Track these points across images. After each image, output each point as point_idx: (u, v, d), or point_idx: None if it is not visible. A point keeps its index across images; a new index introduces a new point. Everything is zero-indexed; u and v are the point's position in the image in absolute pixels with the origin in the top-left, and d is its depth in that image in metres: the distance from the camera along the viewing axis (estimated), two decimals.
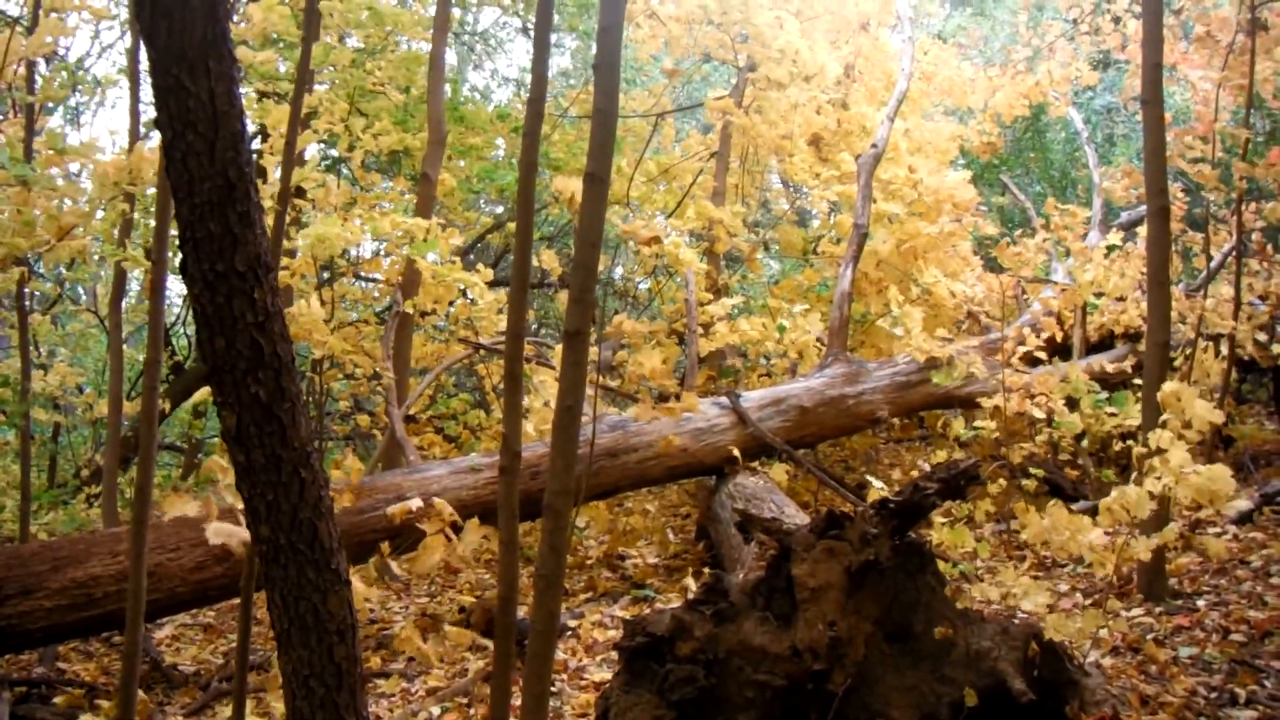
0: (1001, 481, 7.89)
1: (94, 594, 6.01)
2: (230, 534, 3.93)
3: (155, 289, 4.53)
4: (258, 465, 2.99)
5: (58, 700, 6.07)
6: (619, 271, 15.82)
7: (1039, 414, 8.18)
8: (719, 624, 4.42)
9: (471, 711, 5.38)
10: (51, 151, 6.14)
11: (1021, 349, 8.88)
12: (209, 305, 2.92)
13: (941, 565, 4.62)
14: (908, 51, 11.69)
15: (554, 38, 17.14)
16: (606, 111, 3.22)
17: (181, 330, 15.50)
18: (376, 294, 12.56)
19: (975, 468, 4.78)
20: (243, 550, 6.20)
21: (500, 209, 16.34)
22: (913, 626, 4.32)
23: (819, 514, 4.82)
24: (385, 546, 5.13)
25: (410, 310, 8.13)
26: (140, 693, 4.74)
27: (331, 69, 10.10)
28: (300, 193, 7.80)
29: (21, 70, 7.74)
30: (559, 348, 7.62)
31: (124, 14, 11.08)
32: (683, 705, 4.30)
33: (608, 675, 5.49)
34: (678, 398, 7.74)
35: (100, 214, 6.70)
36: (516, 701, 3.91)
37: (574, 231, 13.19)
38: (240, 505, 4.20)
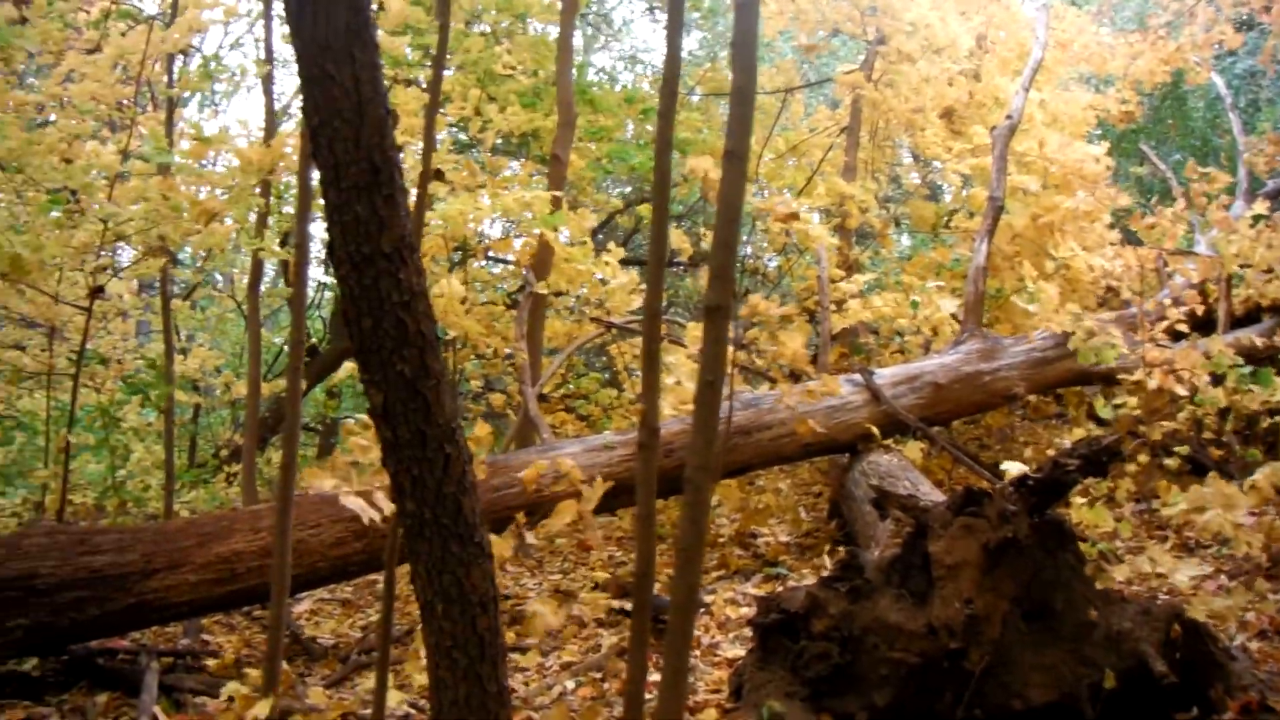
0: (1142, 459, 7.74)
1: (236, 569, 6.18)
2: (363, 507, 4.01)
3: (297, 272, 4.64)
4: (403, 441, 3.07)
5: (210, 664, 6.27)
6: (748, 249, 15.78)
7: (1181, 390, 8.00)
8: (854, 601, 4.42)
9: (606, 686, 5.44)
10: (196, 141, 6.30)
11: (1163, 323, 8.70)
12: (356, 286, 3.00)
13: (1080, 545, 4.57)
14: (1041, 19, 11.46)
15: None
16: (745, 89, 3.23)
17: (315, 313, 15.80)
18: (504, 276, 12.71)
19: (1117, 444, 4.71)
20: (373, 523, 6.39)
21: (628, 189, 16.38)
22: (1051, 605, 4.28)
23: (954, 491, 4.79)
24: (521, 516, 5.20)
25: (543, 290, 8.20)
26: (283, 664, 4.87)
27: (462, 54, 10.20)
28: (439, 175, 7.92)
29: (157, 66, 7.95)
30: (690, 325, 7.66)
31: (252, 7, 11.29)
32: (816, 682, 4.31)
33: (741, 652, 5.51)
34: (810, 377, 7.74)
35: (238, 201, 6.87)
36: (651, 677, 3.94)
37: (709, 210, 13.23)
38: (378, 482, 4.31)
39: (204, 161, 6.95)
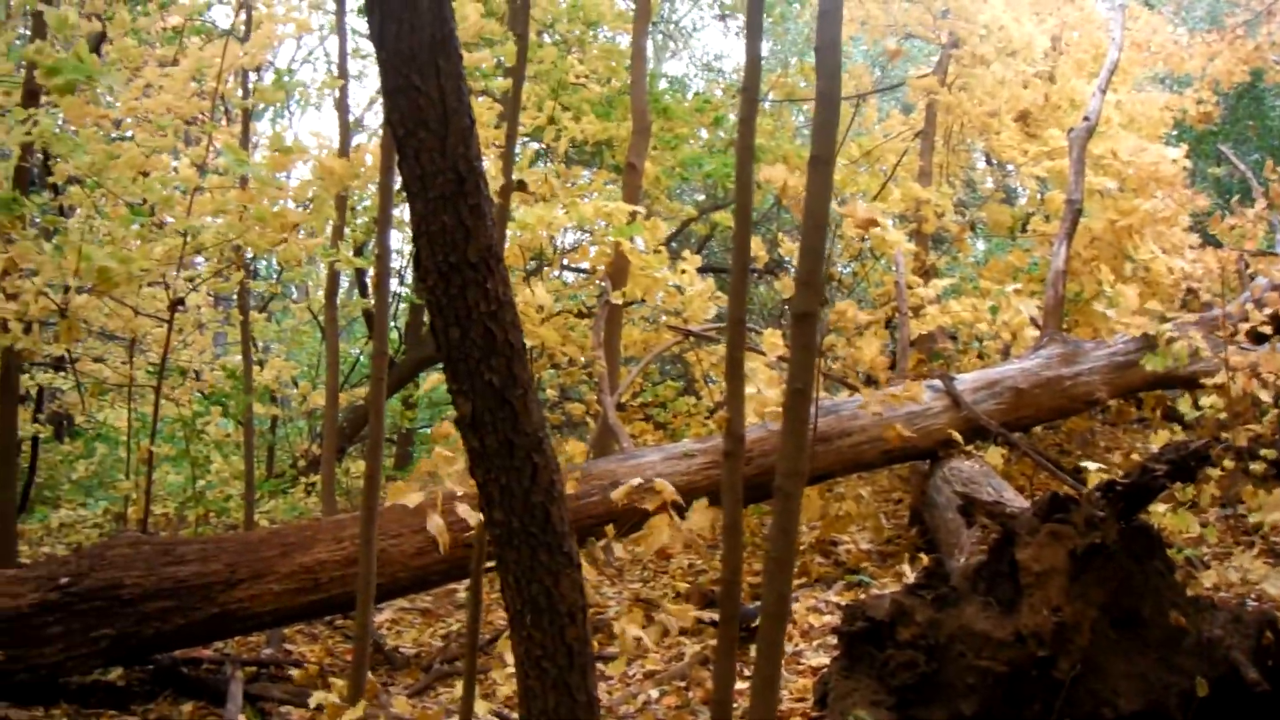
0: (1226, 464, 7.61)
1: (319, 578, 6.23)
2: (441, 530, 4.02)
3: (379, 284, 4.67)
4: (491, 450, 3.07)
5: (295, 674, 6.31)
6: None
7: (1265, 394, 7.85)
8: (940, 609, 4.38)
9: (690, 694, 5.43)
10: (277, 152, 6.36)
11: (1245, 326, 8.55)
12: (443, 296, 3.00)
13: (1167, 551, 4.50)
14: (1117, 19, 11.32)
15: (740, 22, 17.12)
16: (829, 94, 3.22)
17: (391, 324, 15.87)
18: (580, 286, 12.71)
19: (1205, 449, 4.64)
20: (455, 534, 6.41)
21: (700, 196, 16.36)
22: (1140, 613, 4.22)
23: (1038, 498, 4.73)
24: (610, 529, 5.20)
25: (619, 300, 8.20)
26: (368, 673, 4.90)
27: (536, 63, 10.24)
28: (521, 185, 7.96)
29: (231, 80, 8.04)
30: (767, 333, 7.63)
31: (324, 21, 11.39)
32: (902, 691, 4.27)
33: (824, 660, 5.47)
34: (887, 382, 7.68)
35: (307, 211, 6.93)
36: (737, 686, 3.92)
37: (783, 216, 13.17)
38: (460, 492, 4.32)
39: (278, 174, 7.03)
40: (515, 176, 7.68)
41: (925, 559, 6.64)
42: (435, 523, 4.12)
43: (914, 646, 4.31)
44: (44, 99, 6.40)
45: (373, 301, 12.46)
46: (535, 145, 12.34)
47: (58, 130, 5.88)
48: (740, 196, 3.73)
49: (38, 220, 7.60)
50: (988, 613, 4.33)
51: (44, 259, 5.87)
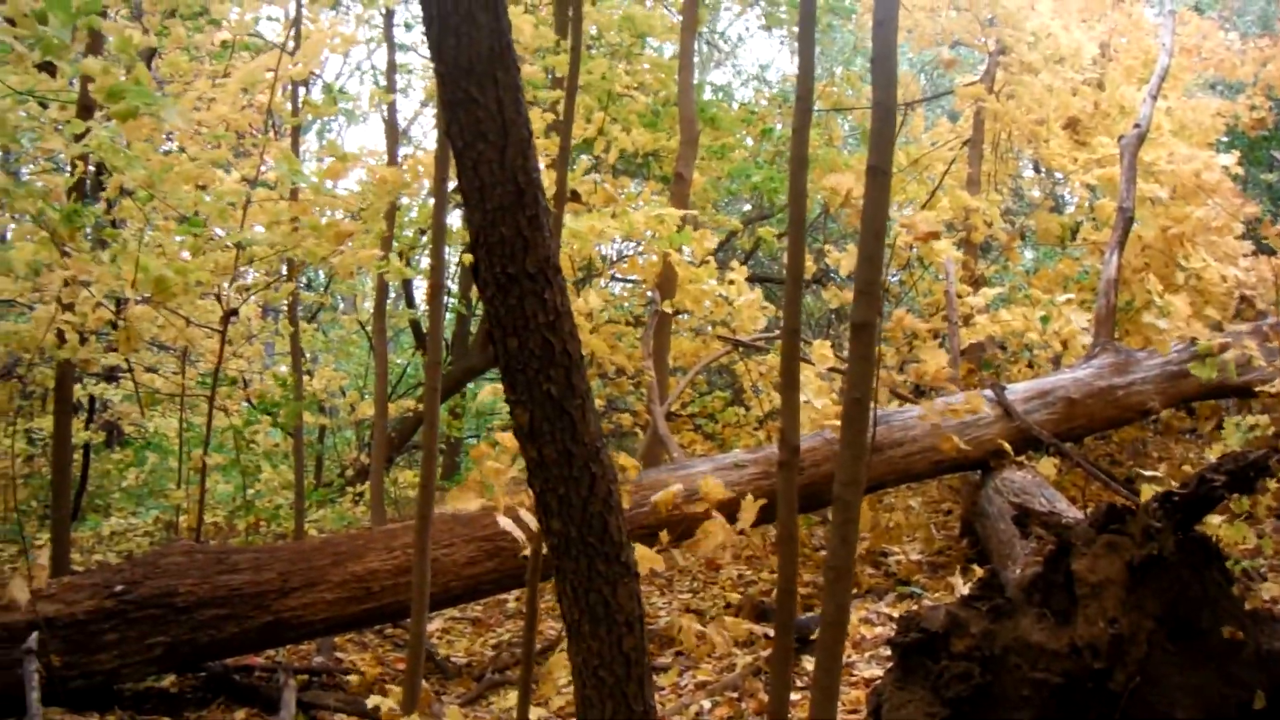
0: None
1: (371, 587, 6.27)
2: (513, 527, 4.03)
3: (434, 294, 4.69)
4: (549, 460, 3.07)
5: (351, 679, 6.34)
6: None
7: None
8: (995, 620, 4.34)
9: (742, 705, 5.41)
10: (334, 160, 6.40)
11: None
12: (501, 307, 3.01)
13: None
14: (1167, 25, 11.21)
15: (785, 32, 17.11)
16: (886, 104, 3.21)
17: None
18: (627, 296, 12.73)
19: (1265, 459, 4.58)
20: (507, 543, 6.42)
21: (746, 207, 16.34)
22: (1197, 624, 4.17)
23: (1094, 508, 4.69)
24: (664, 535, 5.20)
25: (669, 310, 8.21)
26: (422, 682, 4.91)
27: (585, 74, 10.25)
28: (575, 196, 7.98)
29: (280, 94, 8.10)
30: (816, 344, 7.62)
31: (366, 33, 11.45)
32: (957, 702, 4.23)
33: (876, 672, 5.45)
34: (943, 392, 7.64)
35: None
36: (791, 697, 3.91)
37: (830, 226, 13.12)
38: (503, 502, 4.33)
39: (331, 184, 7.09)
40: (570, 187, 7.72)
41: (977, 570, 6.59)
42: (506, 521, 4.13)
43: (969, 658, 4.27)
44: (98, 112, 6.47)
45: (419, 312, 12.58)
46: (584, 157, 12.38)
47: (113, 144, 5.92)
48: (794, 206, 3.72)
49: (88, 232, 7.68)
50: (1043, 624, 4.29)
51: (104, 269, 5.93)
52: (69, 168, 6.91)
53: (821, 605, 3.27)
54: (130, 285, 5.91)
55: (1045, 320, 9.25)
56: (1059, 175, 13.50)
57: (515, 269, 2.98)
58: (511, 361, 3.04)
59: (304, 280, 15.01)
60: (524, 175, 3.00)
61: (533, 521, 4.14)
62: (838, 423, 6.78)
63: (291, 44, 7.55)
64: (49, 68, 5.74)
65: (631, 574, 3.19)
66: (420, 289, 16.16)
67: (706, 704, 5.46)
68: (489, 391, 6.29)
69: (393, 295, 15.81)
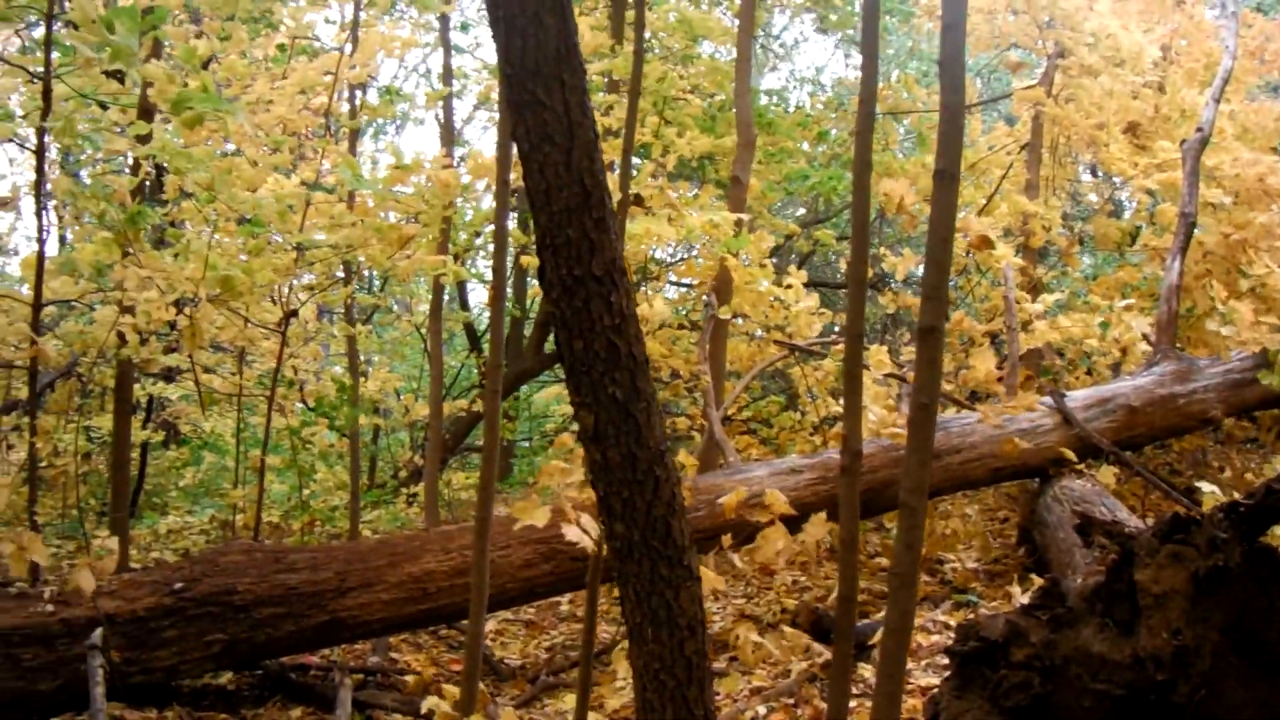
0: None
1: (428, 588, 6.29)
2: (581, 536, 4.03)
3: (495, 296, 4.70)
4: (614, 463, 3.07)
5: (407, 680, 6.37)
6: (921, 269, 15.53)
7: None
8: (1056, 630, 4.30)
9: (798, 711, 5.39)
10: (393, 169, 6.44)
11: None
12: (567, 309, 3.01)
13: None
14: (1230, 27, 11.04)
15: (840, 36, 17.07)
16: (954, 107, 3.19)
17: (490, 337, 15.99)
18: (682, 300, 12.73)
19: None
20: (563, 546, 6.42)
21: (801, 211, 16.30)
22: (1263, 637, 4.11)
23: (1158, 518, 4.64)
24: (727, 539, 5.19)
25: (725, 315, 8.18)
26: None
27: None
28: (639, 200, 7.98)
29: (339, 98, 8.15)
30: (873, 349, 7.58)
31: (428, 39, 11.50)
32: (1016, 712, 4.19)
33: (933, 680, 5.41)
34: (995, 398, 7.58)
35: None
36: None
37: (885, 231, 13.04)
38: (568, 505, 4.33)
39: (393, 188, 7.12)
40: (631, 190, 7.72)
41: (1036, 579, 6.53)
42: (573, 531, 4.13)
43: (1028, 667, 4.23)
44: (158, 115, 6.53)
45: (474, 315, 12.61)
46: (646, 161, 12.37)
47: (177, 146, 5.97)
48: (858, 209, 3.71)
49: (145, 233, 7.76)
50: (1105, 634, 4.23)
51: (172, 268, 5.98)
52: (128, 170, 6.98)
53: (884, 612, 3.25)
54: (197, 284, 5.96)
55: (1105, 326, 9.16)
56: (1118, 180, 13.37)
57: (581, 271, 2.98)
58: (577, 364, 3.04)
59: (369, 282, 15.13)
60: (590, 177, 2.99)
61: (593, 525, 4.14)
62: (895, 430, 6.80)
63: (349, 47, 7.60)
64: (118, 75, 5.81)
65: (694, 578, 3.18)
66: (474, 292, 16.26)
67: (762, 709, 5.44)
68: (551, 394, 6.29)
69: (446, 298, 15.90)
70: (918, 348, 3.15)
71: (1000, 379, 8.49)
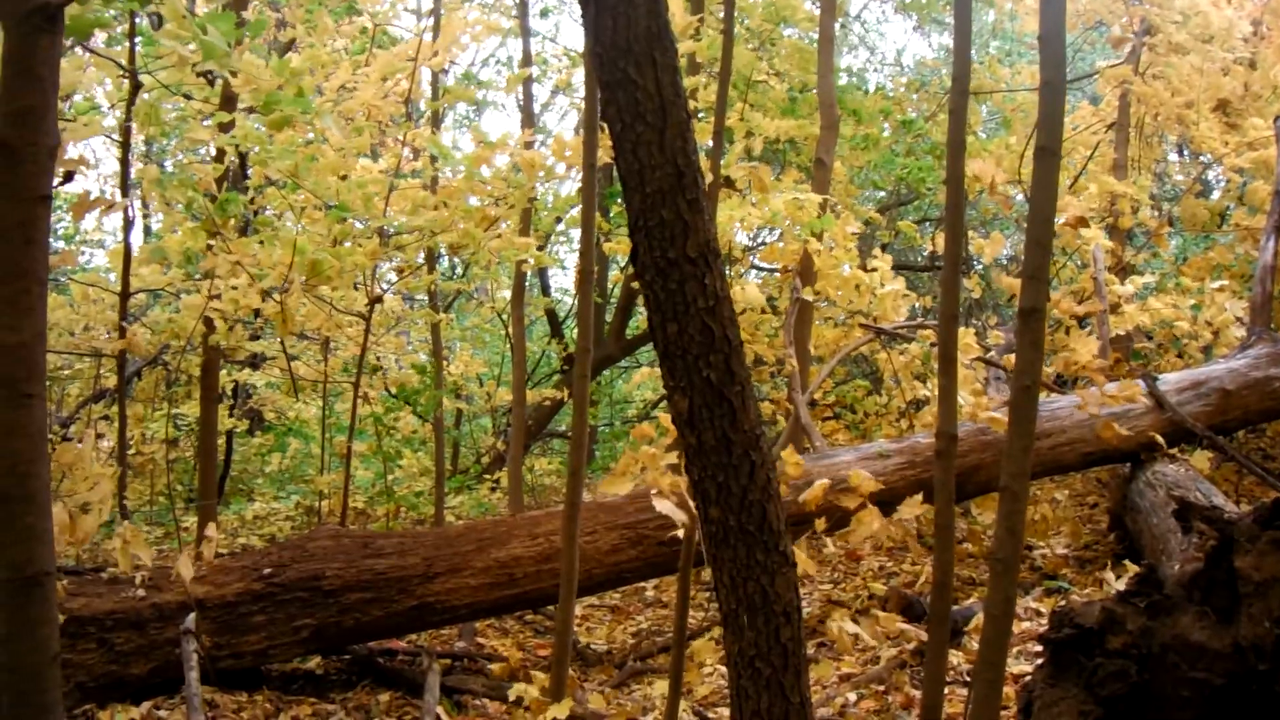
0: None
1: (514, 574, 6.30)
2: (673, 510, 4.00)
3: (584, 280, 4.67)
4: (708, 448, 3.03)
5: (494, 667, 6.38)
6: (1008, 250, 15.36)
7: None
8: (1153, 617, 4.21)
9: (889, 699, 5.33)
10: (481, 143, 6.43)
11: None
12: (661, 291, 2.98)
13: None
14: None
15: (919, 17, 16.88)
16: (1054, 84, 3.11)
17: (571, 323, 16.06)
18: (765, 283, 12.64)
19: None
20: (648, 531, 6.40)
21: (880, 195, 16.15)
22: None
23: (1259, 504, 4.53)
24: (820, 523, 5.14)
25: (810, 297, 8.11)
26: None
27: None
28: (729, 182, 7.93)
29: (425, 85, 8.17)
30: (960, 332, 7.47)
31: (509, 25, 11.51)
32: (1112, 701, 4.11)
33: (1025, 668, 5.33)
34: (1093, 382, 7.45)
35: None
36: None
37: (970, 214, 12.86)
38: (663, 485, 4.30)
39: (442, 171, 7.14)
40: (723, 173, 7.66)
41: (1130, 565, 6.41)
42: (664, 505, 4.10)
43: (1125, 655, 4.14)
44: (241, 105, 6.57)
45: (555, 300, 12.61)
46: (737, 143, 12.29)
47: (261, 135, 6.00)
48: (952, 190, 3.65)
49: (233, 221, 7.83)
50: (1204, 622, 4.13)
51: (263, 253, 6.02)
52: (211, 159, 7.03)
53: (983, 597, 3.19)
54: (287, 269, 5.99)
55: (1196, 309, 8.98)
56: (1204, 159, 13.12)
57: (675, 253, 2.94)
58: (670, 347, 3.00)
59: (456, 268, 15.20)
60: (683, 158, 2.96)
61: (676, 512, 4.11)
62: (993, 414, 6.70)
63: (429, 34, 7.61)
64: (207, 75, 5.85)
65: (790, 563, 3.14)
66: (554, 278, 16.29)
67: (852, 696, 5.39)
68: (644, 375, 6.27)
69: (527, 284, 15.93)
70: (1019, 329, 3.09)
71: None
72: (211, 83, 6.23)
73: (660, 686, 5.49)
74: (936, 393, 7.08)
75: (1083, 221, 6.78)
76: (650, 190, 2.95)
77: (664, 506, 4.06)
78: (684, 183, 2.95)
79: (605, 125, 3.13)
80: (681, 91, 3.00)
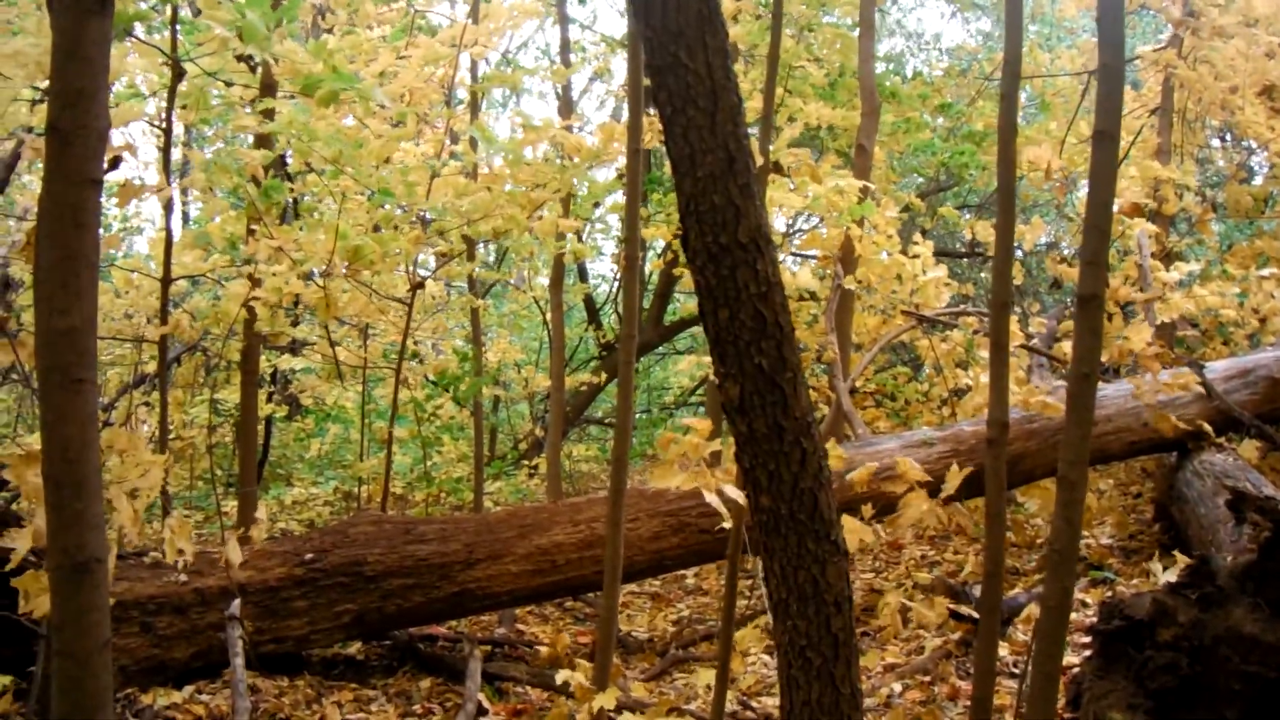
0: None
1: (556, 560, 6.29)
2: (720, 504, 3.97)
3: (629, 265, 4.64)
4: (759, 435, 3.00)
5: (542, 652, 6.37)
6: (1044, 239, 15.26)
7: None
8: (1205, 610, 4.16)
9: (935, 689, 5.29)
10: (525, 127, 6.41)
11: None
12: (713, 277, 2.95)
13: None
14: None
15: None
16: (1112, 66, 3.06)
17: (611, 309, 16.06)
18: (795, 271, 12.57)
19: None
20: (690, 519, 6.38)
21: (919, 181, 16.06)
22: None
23: None
24: (867, 509, 5.10)
25: (851, 284, 8.05)
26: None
27: (766, 47, 10.13)
28: (777, 167, 7.89)
29: (463, 71, 8.16)
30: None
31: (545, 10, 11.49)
32: (1162, 694, 4.07)
33: (1071, 659, 5.27)
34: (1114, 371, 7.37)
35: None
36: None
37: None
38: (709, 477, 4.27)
39: (480, 157, 7.12)
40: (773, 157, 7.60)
41: (1179, 557, 6.34)
42: (714, 498, 4.07)
43: (1175, 648, 4.09)
44: (281, 92, 6.57)
45: (592, 287, 12.57)
46: (785, 128, 12.22)
47: (303, 121, 5.99)
48: (1003, 174, 3.60)
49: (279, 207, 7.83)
50: (1257, 615, 4.08)
51: (305, 239, 6.02)
52: (251, 146, 7.03)
53: (1043, 588, 3.14)
54: (330, 255, 5.99)
55: (1242, 296, 8.87)
56: (1248, 144, 12.97)
57: (727, 238, 2.91)
58: (722, 333, 2.97)
59: (495, 255, 15.20)
60: (735, 142, 2.92)
61: (734, 495, 4.07)
62: (1034, 399, 6.63)
63: (469, 21, 7.58)
64: (247, 59, 5.85)
65: (841, 552, 3.11)
66: (591, 264, 16.27)
67: (897, 687, 5.35)
68: (690, 363, 6.23)
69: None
70: (1077, 316, 3.04)
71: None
72: (253, 69, 6.22)
73: (704, 676, 5.46)
74: (983, 380, 7.06)
75: (1138, 209, 6.70)
76: (701, 175, 2.92)
77: (711, 499, 4.03)
78: (735, 167, 2.92)
79: (654, 110, 3.10)
80: (733, 75, 2.97)
